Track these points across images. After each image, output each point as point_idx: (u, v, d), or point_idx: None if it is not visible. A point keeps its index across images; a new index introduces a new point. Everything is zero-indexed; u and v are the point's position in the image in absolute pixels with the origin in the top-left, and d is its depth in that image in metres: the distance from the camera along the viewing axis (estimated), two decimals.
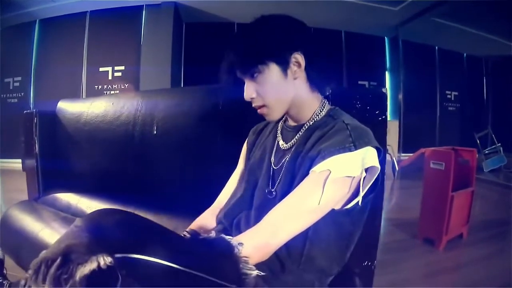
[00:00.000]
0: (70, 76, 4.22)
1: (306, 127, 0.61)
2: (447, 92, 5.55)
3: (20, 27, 4.43)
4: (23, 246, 0.99)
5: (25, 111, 1.42)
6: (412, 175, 3.09)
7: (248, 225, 0.59)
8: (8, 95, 4.54)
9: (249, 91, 0.59)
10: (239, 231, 0.60)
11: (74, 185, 1.40)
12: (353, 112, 0.69)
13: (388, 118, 4.82)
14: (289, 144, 0.62)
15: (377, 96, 0.86)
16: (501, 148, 4.21)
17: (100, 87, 4.18)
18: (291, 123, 0.65)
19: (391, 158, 3.18)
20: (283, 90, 0.59)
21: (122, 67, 4.11)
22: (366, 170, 0.53)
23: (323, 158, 0.51)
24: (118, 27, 4.16)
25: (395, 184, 3.11)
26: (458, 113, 5.61)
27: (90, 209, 1.12)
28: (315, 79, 0.61)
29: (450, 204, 1.54)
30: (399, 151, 4.55)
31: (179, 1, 3.87)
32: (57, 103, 1.46)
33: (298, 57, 0.58)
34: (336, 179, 0.50)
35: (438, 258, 1.49)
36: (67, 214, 1.18)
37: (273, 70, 0.58)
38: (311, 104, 0.62)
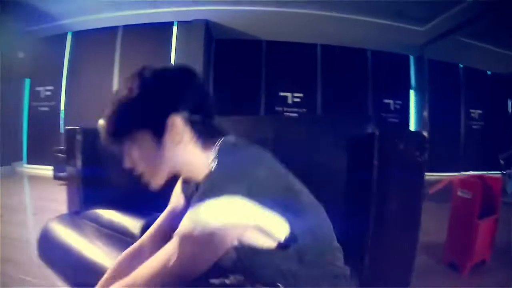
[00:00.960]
0: (101, 87, 4.57)
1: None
2: (472, 110, 5.78)
3: (52, 38, 4.81)
4: (67, 262, 1.04)
5: (67, 127, 1.63)
6: (437, 198, 3.29)
7: None
8: (39, 103, 4.95)
9: (126, 160, 0.60)
10: None
11: (116, 202, 1.47)
12: (395, 153, 0.88)
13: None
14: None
15: (419, 139, 1.11)
16: None
17: None
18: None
19: None
20: (157, 158, 0.58)
21: None
22: None
23: None
24: (150, 43, 4.53)
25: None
26: (482, 131, 5.82)
27: (134, 228, 1.18)
28: (204, 136, 0.59)
29: (476, 231, 1.78)
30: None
31: (210, 18, 4.22)
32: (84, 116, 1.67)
33: (176, 120, 0.55)
34: None
35: (462, 282, 1.72)
36: (110, 231, 1.22)
37: (143, 138, 0.57)
38: (204, 164, 0.58)
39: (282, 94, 5.10)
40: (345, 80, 5.00)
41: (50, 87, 4.86)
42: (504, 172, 4.39)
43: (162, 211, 1.03)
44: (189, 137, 0.57)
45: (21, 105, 5.01)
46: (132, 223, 1.25)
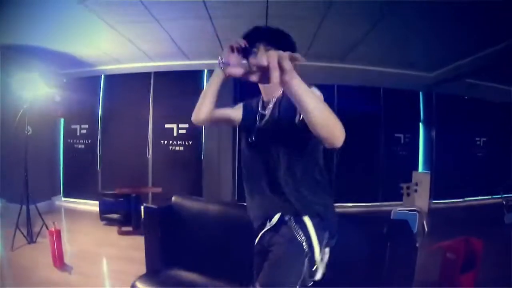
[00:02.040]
0: (136, 128, 5.45)
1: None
2: (477, 138, 6.62)
3: (86, 79, 5.63)
4: None
5: (145, 205, 2.24)
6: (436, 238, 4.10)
7: None
8: (74, 140, 5.79)
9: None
10: None
11: (197, 266, 1.84)
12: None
13: (420, 170, 5.92)
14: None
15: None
16: None
17: (165, 142, 5.42)
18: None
19: (422, 221, 4.23)
20: None
21: (186, 125, 5.31)
22: None
23: None
24: (182, 87, 5.23)
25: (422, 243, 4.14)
26: (486, 159, 6.65)
27: None
28: None
29: (458, 282, 2.61)
30: (430, 198, 5.60)
31: None
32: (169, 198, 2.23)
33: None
34: None
35: None
36: None
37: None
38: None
39: None
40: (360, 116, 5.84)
41: (85, 126, 5.71)
42: (504, 203, 5.21)
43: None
44: None
45: (58, 142, 5.85)
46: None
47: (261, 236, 1.26)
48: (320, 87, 1.06)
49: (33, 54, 4.60)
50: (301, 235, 1.17)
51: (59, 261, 3.14)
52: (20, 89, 3.81)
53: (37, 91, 3.91)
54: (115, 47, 4.42)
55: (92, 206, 5.50)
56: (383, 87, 5.84)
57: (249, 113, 1.39)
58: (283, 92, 1.23)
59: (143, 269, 2.36)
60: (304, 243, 1.16)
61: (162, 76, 5.43)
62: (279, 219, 1.20)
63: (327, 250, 1.26)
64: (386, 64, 4.78)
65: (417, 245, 1.87)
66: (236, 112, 1.44)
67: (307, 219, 1.18)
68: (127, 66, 5.23)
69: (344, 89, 5.72)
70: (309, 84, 0.91)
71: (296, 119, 1.06)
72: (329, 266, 1.28)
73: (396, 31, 3.63)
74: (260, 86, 1.31)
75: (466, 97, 6.37)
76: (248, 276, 1.37)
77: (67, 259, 3.24)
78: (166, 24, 3.63)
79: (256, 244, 1.29)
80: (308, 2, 3.01)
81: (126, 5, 3.12)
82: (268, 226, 1.23)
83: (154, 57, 4.86)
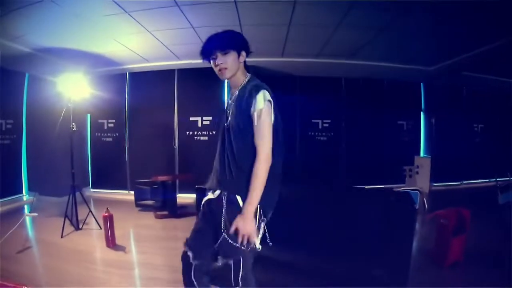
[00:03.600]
0: (162, 121, 6.22)
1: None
2: (475, 125, 7.47)
3: (112, 77, 6.30)
4: None
5: (197, 186, 3.17)
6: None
7: None
8: (102, 134, 6.52)
9: (220, 60, 1.61)
10: None
11: None
12: None
13: (421, 155, 6.76)
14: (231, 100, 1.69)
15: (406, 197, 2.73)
16: None
17: (191, 133, 6.23)
18: (233, 89, 1.72)
19: (423, 199, 5.05)
20: (235, 64, 1.63)
21: (210, 117, 6.14)
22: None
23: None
24: (204, 82, 5.92)
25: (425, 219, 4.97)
26: (483, 144, 7.54)
27: None
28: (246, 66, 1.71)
29: (450, 243, 3.43)
30: (431, 181, 6.45)
31: (259, 65, 5.60)
32: None
33: (243, 54, 1.65)
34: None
35: (443, 273, 3.31)
36: None
37: (232, 54, 1.61)
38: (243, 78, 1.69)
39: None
40: (365, 106, 6.68)
41: (113, 120, 6.46)
42: (498, 186, 6.03)
43: None
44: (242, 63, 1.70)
45: (86, 136, 6.58)
46: None
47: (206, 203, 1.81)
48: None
49: (65, 55, 5.18)
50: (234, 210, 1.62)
51: (112, 242, 3.79)
52: (65, 88, 4.34)
53: (81, 89, 4.46)
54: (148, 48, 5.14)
55: (120, 195, 6.31)
56: (387, 80, 6.66)
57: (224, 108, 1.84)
58: (243, 84, 1.70)
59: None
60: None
61: (186, 73, 6.20)
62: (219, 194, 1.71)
63: (262, 224, 1.65)
64: (390, 60, 5.54)
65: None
66: None
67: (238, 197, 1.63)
68: (152, 64, 5.94)
69: (353, 81, 6.56)
70: (259, 90, 1.57)
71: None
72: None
73: (399, 33, 4.38)
74: (221, 78, 1.73)
75: (464, 88, 7.22)
76: None
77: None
78: (200, 31, 4.36)
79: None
80: (330, 7, 3.68)
81: (165, 13, 3.81)
82: (210, 197, 1.76)
83: (182, 57, 5.60)
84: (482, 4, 3.45)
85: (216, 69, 1.66)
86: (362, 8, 3.63)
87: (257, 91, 1.56)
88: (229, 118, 1.66)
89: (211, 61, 1.66)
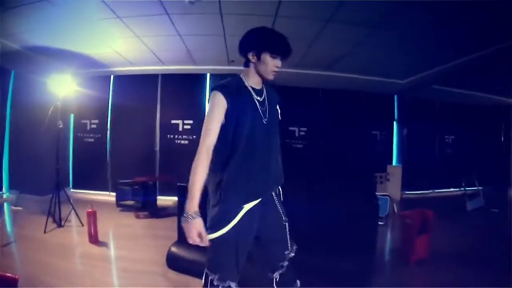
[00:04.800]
0: (143, 123, 6.42)
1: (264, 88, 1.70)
2: (446, 136, 8.00)
3: (96, 78, 6.42)
4: None
5: (179, 184, 3.37)
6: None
7: None
8: (85, 134, 6.63)
9: (280, 64, 1.59)
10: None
11: None
12: None
13: (394, 164, 7.17)
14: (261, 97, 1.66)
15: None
16: (482, 192, 6.51)
17: (171, 136, 6.43)
18: (257, 87, 1.67)
19: (392, 204, 5.42)
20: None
21: (191, 121, 6.36)
22: None
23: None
24: (187, 87, 6.32)
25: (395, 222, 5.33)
26: (454, 154, 8.06)
27: None
28: None
29: (415, 242, 3.76)
30: (402, 189, 6.86)
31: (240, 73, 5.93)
32: None
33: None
34: None
35: (409, 270, 3.61)
36: None
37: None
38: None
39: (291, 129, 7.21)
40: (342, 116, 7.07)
41: (96, 121, 6.58)
42: (466, 194, 6.50)
43: None
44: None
45: (68, 137, 6.66)
46: None
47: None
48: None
49: (53, 54, 5.29)
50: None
51: (95, 238, 3.96)
52: (53, 87, 4.53)
53: (68, 89, 4.66)
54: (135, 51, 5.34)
55: (101, 196, 6.42)
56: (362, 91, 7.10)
57: (240, 99, 1.59)
58: (264, 83, 1.73)
59: (166, 243, 3.37)
60: None
61: (169, 77, 6.45)
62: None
63: None
64: (366, 72, 5.95)
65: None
66: (221, 114, 1.56)
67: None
68: (137, 68, 6.14)
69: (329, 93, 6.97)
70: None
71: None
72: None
73: (373, 47, 4.76)
74: (257, 76, 1.67)
75: (437, 101, 7.77)
76: None
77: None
78: (186, 38, 4.63)
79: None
80: (308, 20, 3.99)
81: (154, 20, 4.06)
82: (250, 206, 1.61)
83: (166, 62, 5.82)
84: (452, 20, 3.79)
85: (270, 68, 1.60)
86: (337, 23, 3.96)
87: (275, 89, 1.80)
88: (267, 115, 1.67)
89: (270, 56, 1.59)
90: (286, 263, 1.73)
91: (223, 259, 1.55)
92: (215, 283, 1.54)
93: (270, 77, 1.62)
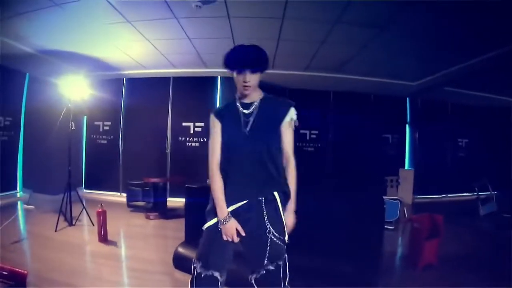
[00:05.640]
0: (155, 126, 6.53)
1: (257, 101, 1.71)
2: (459, 139, 7.85)
3: (109, 81, 6.60)
4: None
5: (187, 185, 3.41)
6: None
7: None
8: (97, 136, 6.79)
9: (248, 78, 1.58)
10: None
11: None
12: None
13: (406, 167, 7.09)
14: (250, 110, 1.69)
15: None
16: (495, 196, 6.36)
17: (183, 139, 6.52)
18: (246, 101, 1.71)
19: (403, 208, 5.35)
20: (258, 82, 1.64)
21: (202, 124, 6.43)
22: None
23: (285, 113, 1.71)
24: (198, 90, 6.39)
25: (405, 226, 5.26)
26: (468, 158, 7.91)
27: None
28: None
29: (423, 247, 3.71)
30: (414, 193, 6.78)
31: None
32: None
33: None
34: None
35: (417, 275, 3.58)
36: None
37: (259, 74, 1.63)
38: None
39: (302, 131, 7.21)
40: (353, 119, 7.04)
41: (108, 123, 6.73)
42: (479, 198, 6.37)
43: None
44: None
45: (81, 138, 6.84)
46: None
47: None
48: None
49: (67, 58, 5.46)
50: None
51: (104, 237, 4.03)
52: (65, 89, 4.62)
53: (80, 92, 4.75)
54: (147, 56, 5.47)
55: (112, 197, 6.55)
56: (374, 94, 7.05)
57: (226, 115, 1.77)
58: (263, 97, 1.78)
59: (174, 244, 3.38)
60: None
61: (180, 80, 6.56)
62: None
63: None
64: (375, 74, 5.92)
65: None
66: (218, 133, 1.78)
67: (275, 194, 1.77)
68: (149, 71, 6.26)
69: (339, 95, 6.94)
70: None
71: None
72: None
73: (383, 49, 4.75)
74: (244, 94, 1.72)
75: (450, 103, 7.64)
76: None
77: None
78: (195, 42, 4.70)
79: None
80: (316, 23, 4.02)
81: (163, 24, 4.15)
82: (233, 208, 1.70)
83: (178, 65, 5.93)
84: (461, 22, 3.77)
85: (240, 83, 1.65)
86: (345, 24, 3.97)
87: (290, 106, 1.76)
88: (249, 126, 1.72)
89: (236, 73, 1.64)
90: (263, 271, 1.67)
91: (207, 249, 1.71)
92: (198, 270, 1.69)
93: (244, 92, 1.68)
